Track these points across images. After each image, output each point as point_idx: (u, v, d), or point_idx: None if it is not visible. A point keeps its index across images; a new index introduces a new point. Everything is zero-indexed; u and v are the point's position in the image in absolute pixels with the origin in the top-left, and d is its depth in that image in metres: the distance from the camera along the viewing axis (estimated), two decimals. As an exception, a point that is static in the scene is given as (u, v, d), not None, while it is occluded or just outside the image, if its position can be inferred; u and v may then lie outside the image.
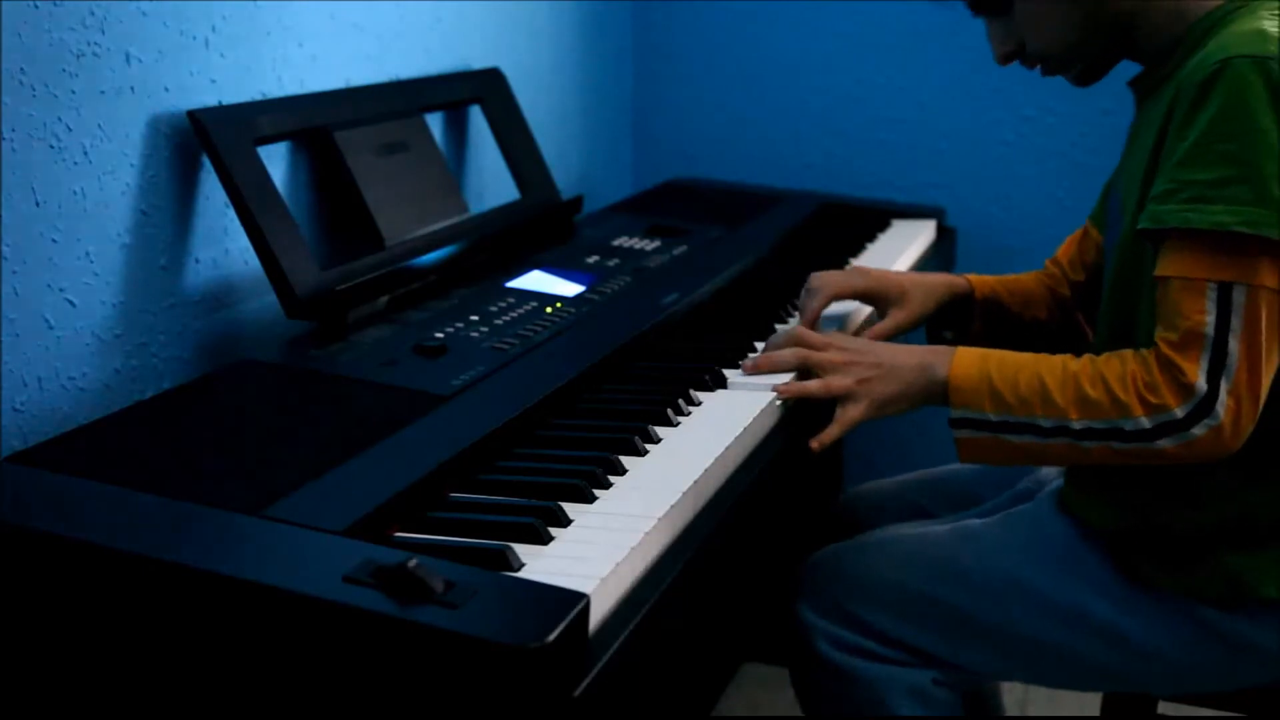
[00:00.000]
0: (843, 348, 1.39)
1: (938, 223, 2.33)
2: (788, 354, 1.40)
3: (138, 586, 0.94)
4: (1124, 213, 1.37)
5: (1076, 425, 1.28)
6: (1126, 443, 1.26)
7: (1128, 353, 1.29)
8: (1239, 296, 1.22)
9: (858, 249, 2.05)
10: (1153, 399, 1.24)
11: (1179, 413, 1.23)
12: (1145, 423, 1.25)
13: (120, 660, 0.98)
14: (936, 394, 1.35)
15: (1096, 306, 1.49)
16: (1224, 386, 1.22)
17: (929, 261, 2.16)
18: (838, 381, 1.36)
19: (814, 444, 1.34)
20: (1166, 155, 1.28)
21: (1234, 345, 1.22)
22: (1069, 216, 2.44)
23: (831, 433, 1.35)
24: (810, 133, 2.61)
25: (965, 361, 1.34)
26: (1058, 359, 1.32)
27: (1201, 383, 1.22)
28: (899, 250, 2.06)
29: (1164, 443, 1.25)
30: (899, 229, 2.23)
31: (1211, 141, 1.22)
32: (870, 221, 2.24)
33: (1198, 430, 1.23)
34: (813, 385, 1.37)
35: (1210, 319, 1.22)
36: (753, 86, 2.64)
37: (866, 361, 1.37)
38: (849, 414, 1.36)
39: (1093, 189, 2.35)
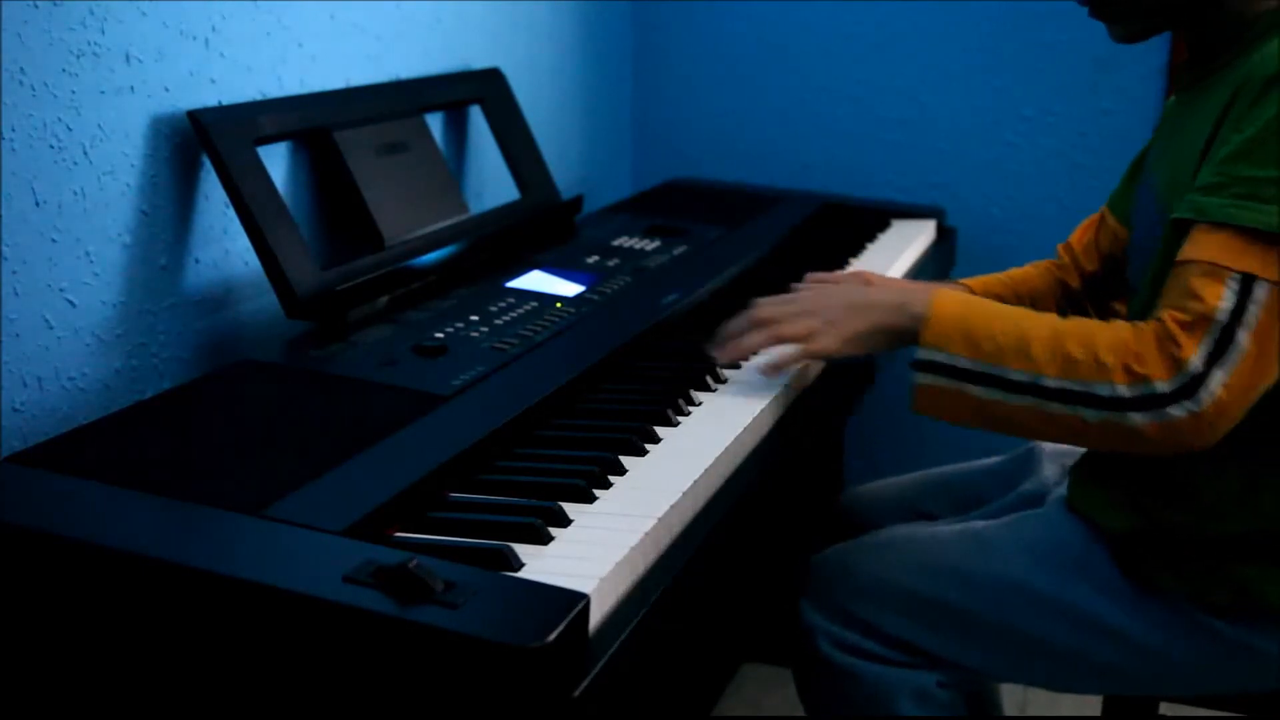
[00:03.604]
0: (810, 310, 1.37)
1: (938, 223, 2.32)
2: (756, 339, 1.39)
3: (138, 586, 0.94)
4: (1163, 206, 1.33)
5: (1050, 383, 1.23)
6: (1098, 410, 1.21)
7: (1122, 323, 1.25)
8: (1260, 292, 1.18)
9: (858, 249, 2.05)
10: (1138, 368, 1.20)
11: (1162, 387, 1.19)
12: (1123, 391, 1.20)
13: (120, 660, 0.98)
14: (909, 330, 1.31)
15: (1110, 298, 1.45)
16: (1218, 375, 1.18)
17: (929, 261, 2.16)
18: (804, 325, 1.35)
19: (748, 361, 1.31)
20: (1218, 147, 1.24)
21: (1243, 337, 1.18)
22: (1069, 216, 2.43)
23: (789, 355, 1.34)
24: (810, 133, 2.61)
25: (945, 300, 1.31)
26: (1046, 315, 1.28)
27: (1196, 362, 1.18)
28: (899, 250, 2.06)
29: (1137, 417, 1.20)
30: (899, 229, 2.23)
31: (1269, 139, 1.19)
32: (870, 221, 2.24)
33: (1176, 410, 1.18)
34: (793, 354, 1.35)
35: (1226, 305, 1.18)
36: (753, 86, 2.64)
37: (836, 304, 1.36)
38: (814, 346, 1.35)
39: (1093, 189, 2.34)
